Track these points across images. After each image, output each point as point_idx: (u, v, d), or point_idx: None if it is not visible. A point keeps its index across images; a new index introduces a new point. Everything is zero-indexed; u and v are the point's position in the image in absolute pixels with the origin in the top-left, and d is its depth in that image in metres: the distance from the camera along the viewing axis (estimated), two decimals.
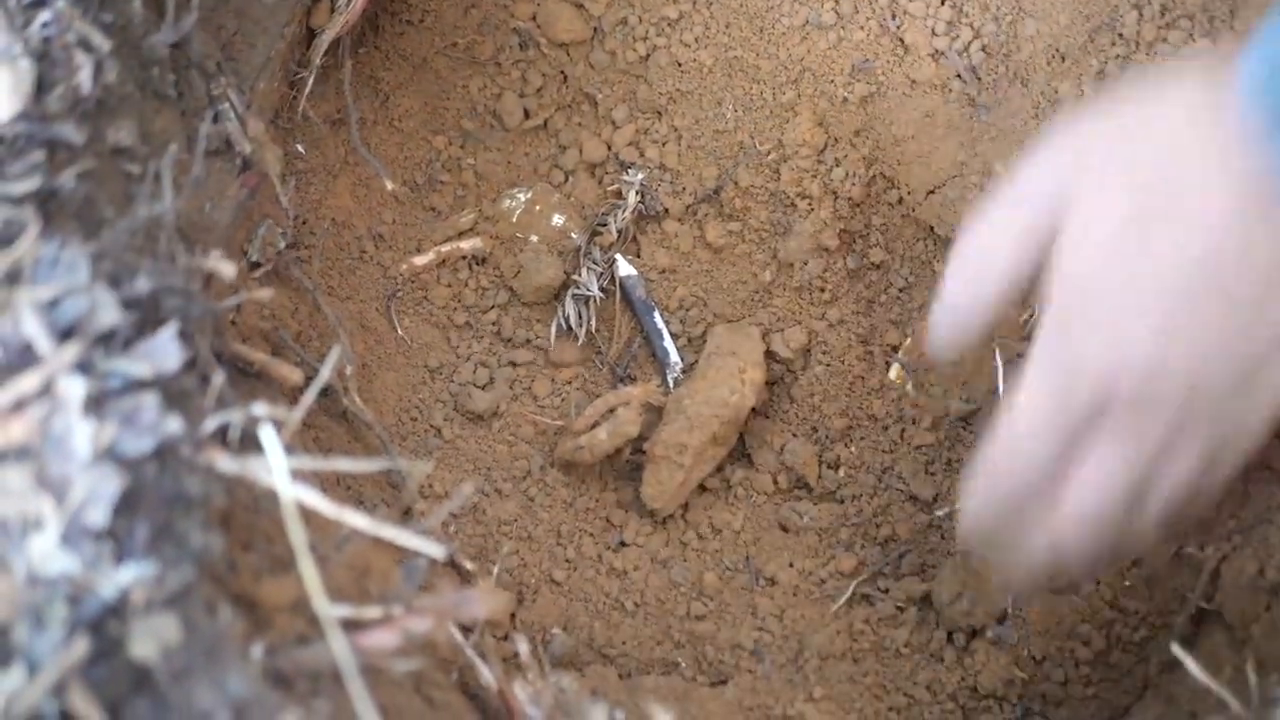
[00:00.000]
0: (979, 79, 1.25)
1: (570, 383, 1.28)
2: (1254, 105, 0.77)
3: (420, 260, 1.28)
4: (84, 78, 0.75)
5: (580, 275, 1.29)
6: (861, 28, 1.28)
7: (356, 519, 0.66)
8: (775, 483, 1.25)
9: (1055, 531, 0.86)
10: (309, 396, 0.74)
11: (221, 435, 0.70)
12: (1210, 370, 0.81)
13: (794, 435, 1.27)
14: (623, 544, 1.21)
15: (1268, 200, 0.77)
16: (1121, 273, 0.81)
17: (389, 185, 1.26)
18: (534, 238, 1.31)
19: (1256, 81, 0.77)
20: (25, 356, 0.64)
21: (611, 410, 1.21)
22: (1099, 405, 0.83)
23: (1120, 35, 1.17)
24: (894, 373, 1.26)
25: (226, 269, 0.79)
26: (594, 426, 1.21)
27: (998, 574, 0.96)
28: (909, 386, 1.25)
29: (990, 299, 0.88)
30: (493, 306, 1.29)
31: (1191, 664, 0.77)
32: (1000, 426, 0.87)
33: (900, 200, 1.28)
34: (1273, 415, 0.84)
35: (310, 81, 1.16)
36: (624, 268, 1.30)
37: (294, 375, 0.98)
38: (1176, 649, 0.79)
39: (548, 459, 1.24)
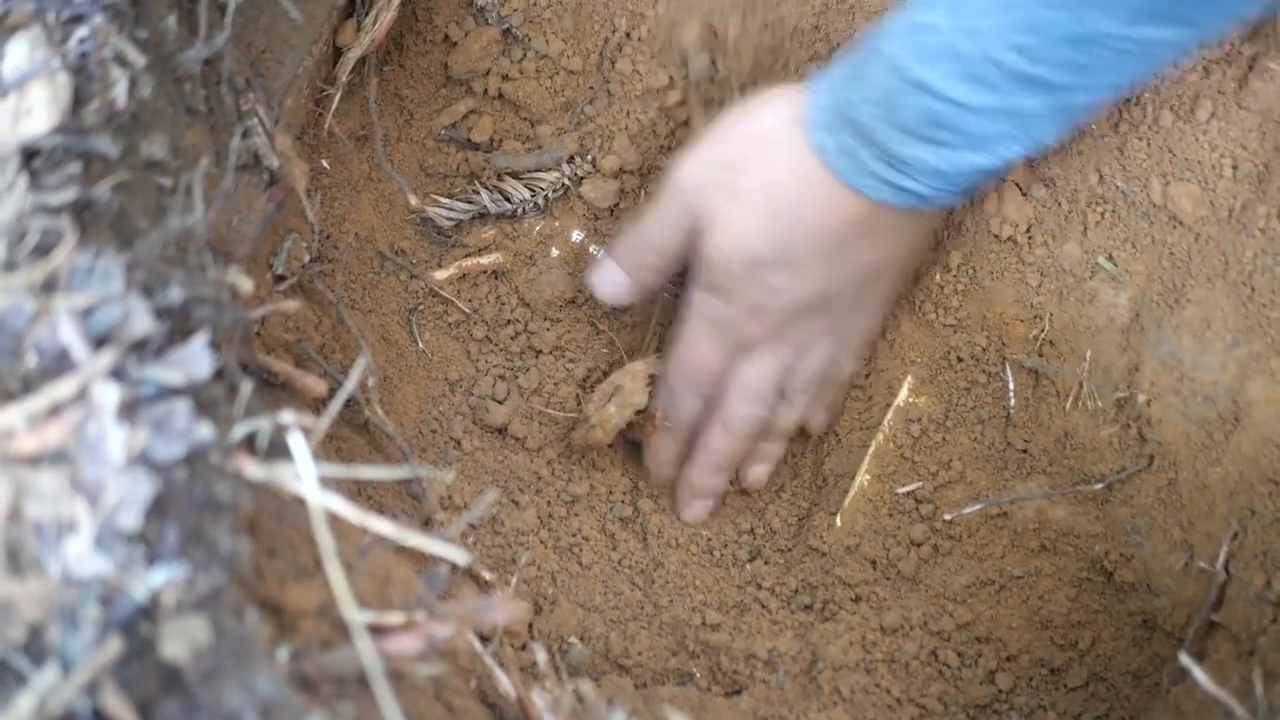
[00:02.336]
0: None
1: (584, 381, 1.29)
2: (811, 133, 1.11)
3: (441, 275, 1.29)
4: (119, 92, 0.76)
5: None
6: None
7: (381, 525, 0.67)
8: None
9: (725, 419, 1.24)
10: (336, 404, 0.74)
11: (249, 443, 0.71)
12: (824, 300, 1.19)
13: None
14: (644, 541, 1.23)
15: (845, 199, 1.12)
16: (751, 259, 1.15)
17: (412, 200, 1.27)
18: (554, 252, 1.32)
19: (814, 119, 1.11)
20: (61, 363, 0.64)
21: (618, 386, 1.22)
22: (747, 338, 1.20)
23: None
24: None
25: (244, 283, 0.80)
26: (604, 405, 1.22)
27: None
28: None
29: (651, 271, 1.24)
30: (510, 321, 1.30)
31: (1199, 674, 0.78)
32: (675, 358, 1.23)
33: None
34: (876, 323, 1.26)
35: (336, 99, 1.17)
36: None
37: (318, 386, 0.98)
38: (1185, 659, 0.80)
39: (562, 453, 1.25)
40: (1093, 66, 1.01)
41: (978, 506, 1.23)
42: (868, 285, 1.21)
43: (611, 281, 1.26)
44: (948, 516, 1.24)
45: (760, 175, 1.14)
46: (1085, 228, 1.20)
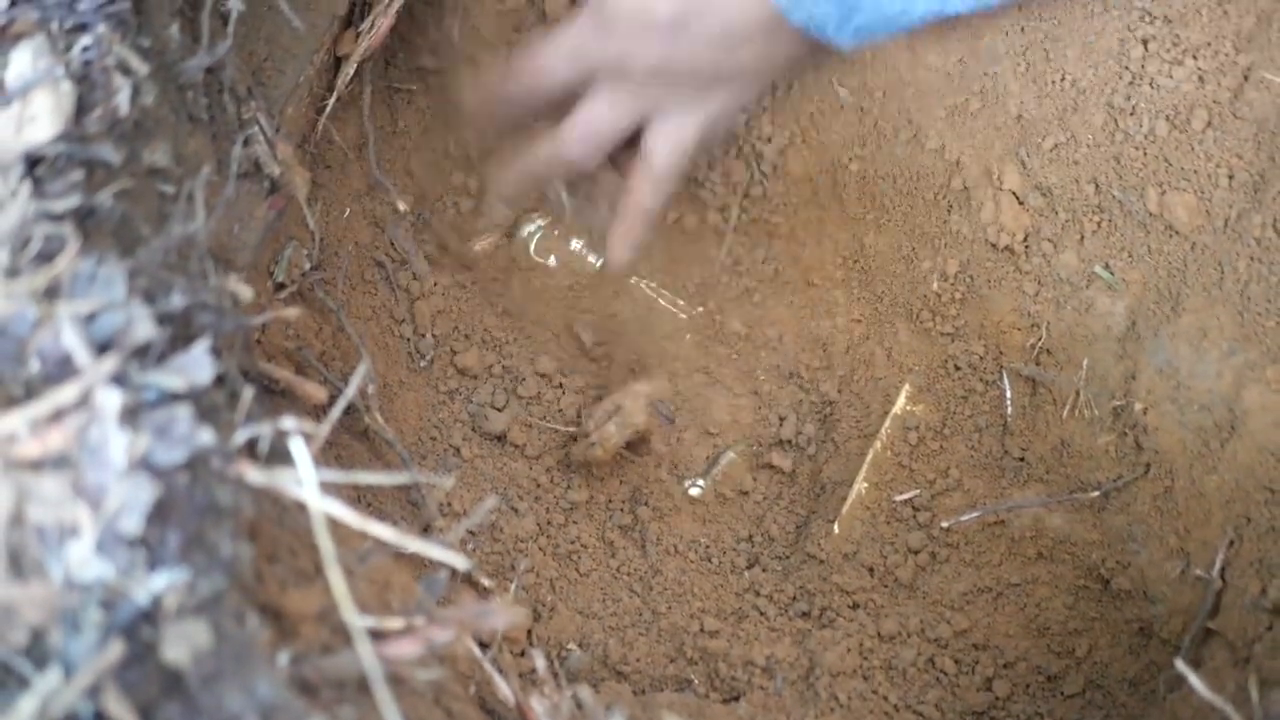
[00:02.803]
0: None
1: (582, 393, 1.30)
2: None
3: (441, 282, 1.30)
4: (122, 100, 0.76)
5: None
6: None
7: (381, 530, 0.67)
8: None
9: (561, 138, 1.18)
10: (336, 410, 0.75)
11: (250, 448, 0.71)
12: (694, 70, 1.13)
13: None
14: (643, 549, 1.23)
15: None
16: (645, 13, 1.10)
17: (401, 207, 1.27)
18: (552, 260, 1.32)
19: None
20: (64, 368, 0.65)
21: (619, 406, 1.23)
22: (613, 69, 1.14)
23: (1127, 68, 1.18)
24: None
25: (244, 291, 0.80)
26: (604, 425, 1.23)
27: (498, 178, 1.25)
28: None
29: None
30: (508, 329, 1.31)
31: (1196, 680, 0.78)
32: (537, 47, 1.17)
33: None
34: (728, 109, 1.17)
35: (332, 106, 1.18)
36: None
37: (318, 393, 0.99)
38: (1181, 666, 0.80)
39: (562, 466, 1.25)
40: None
41: (975, 514, 1.23)
42: (725, 82, 1.15)
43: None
44: (945, 524, 1.24)
45: None
46: (1082, 237, 1.20)
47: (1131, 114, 1.17)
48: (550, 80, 1.18)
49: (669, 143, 1.17)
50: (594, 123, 1.18)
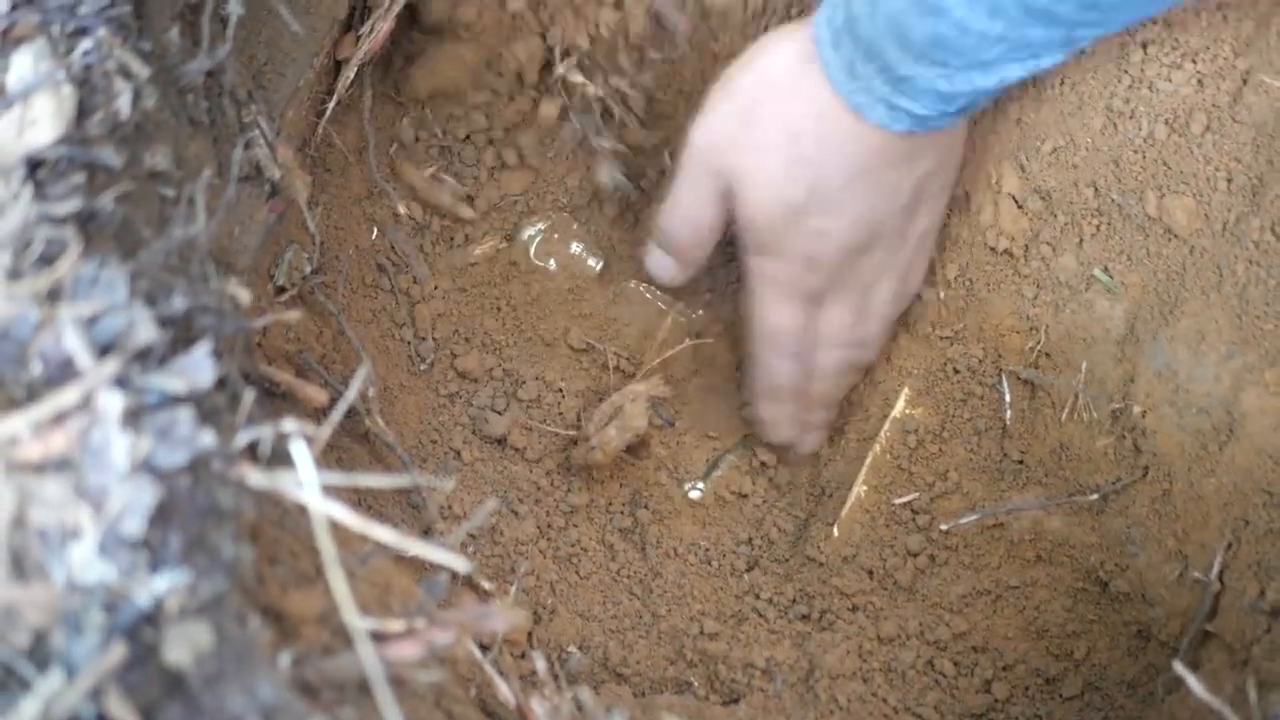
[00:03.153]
0: None
1: (582, 396, 1.30)
2: (820, 52, 1.10)
3: (442, 285, 1.30)
4: (123, 104, 0.76)
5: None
6: None
7: (382, 533, 0.67)
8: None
9: (819, 372, 1.27)
10: (337, 413, 0.75)
11: (251, 451, 0.72)
12: (871, 235, 1.18)
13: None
14: (643, 551, 1.23)
15: (854, 121, 1.12)
16: (789, 209, 1.15)
17: (401, 210, 1.27)
18: (553, 264, 1.32)
19: (823, 36, 1.09)
20: (66, 371, 0.65)
21: (619, 409, 1.23)
22: (813, 290, 1.21)
23: (1126, 72, 1.18)
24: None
25: (243, 295, 0.80)
26: (604, 428, 1.23)
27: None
28: None
29: (697, 247, 1.24)
30: (509, 332, 1.31)
31: (1194, 683, 0.78)
32: (755, 333, 1.25)
33: None
34: (930, 247, 1.26)
35: (332, 110, 1.18)
36: None
37: (319, 396, 0.99)
38: (1179, 668, 0.80)
39: (562, 469, 1.26)
40: (1105, 4, 1.02)
41: (974, 517, 1.24)
42: (910, 211, 1.20)
43: (662, 267, 1.27)
44: (944, 527, 1.24)
45: (777, 121, 1.13)
46: (1081, 240, 1.20)
47: (1130, 117, 1.17)
48: (788, 337, 1.25)
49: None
50: (835, 331, 1.25)
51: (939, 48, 1.04)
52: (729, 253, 1.28)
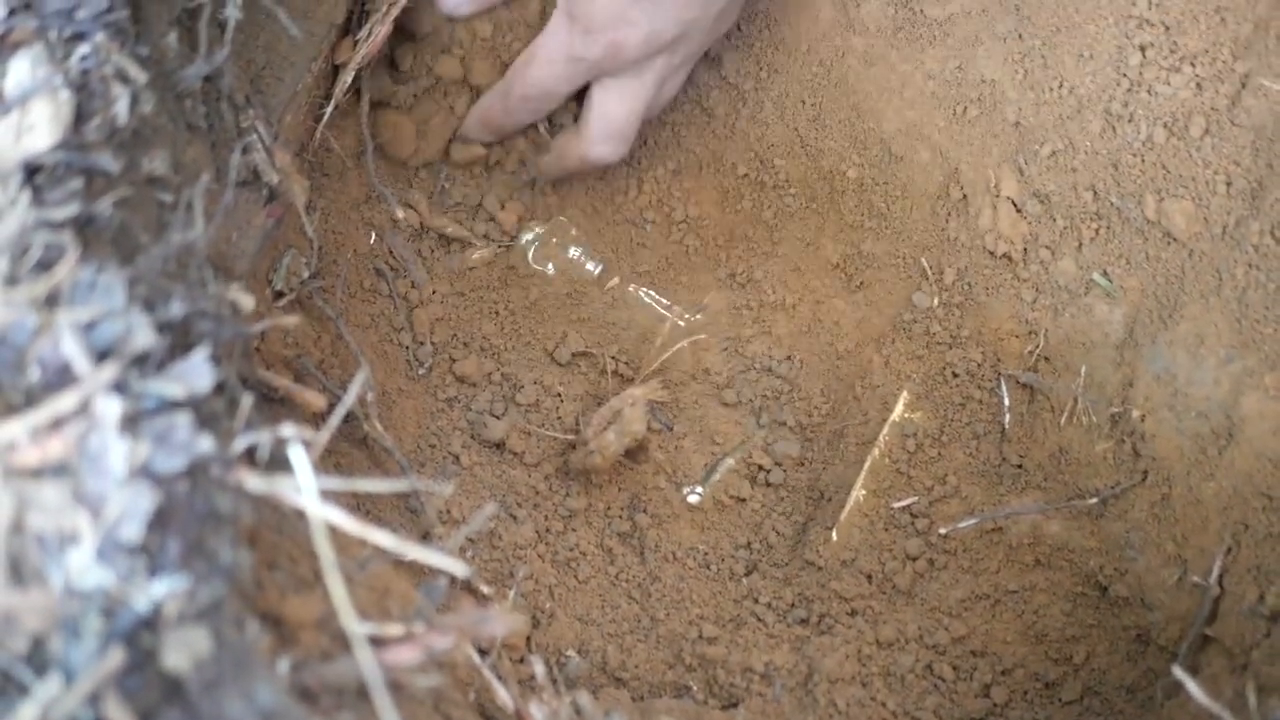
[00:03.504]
0: None
1: (581, 400, 1.30)
2: None
3: (440, 290, 1.30)
4: (120, 109, 0.76)
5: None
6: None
7: (381, 537, 0.67)
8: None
9: (583, 148, 1.26)
10: (336, 417, 0.75)
11: (250, 456, 0.72)
12: (682, 33, 1.17)
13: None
14: (642, 556, 1.23)
15: None
16: None
17: (399, 214, 1.27)
18: (550, 268, 1.32)
19: None
20: (63, 376, 0.65)
21: (617, 413, 1.23)
22: (604, 70, 1.19)
23: (1125, 75, 1.18)
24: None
25: (245, 300, 0.80)
26: (602, 432, 1.23)
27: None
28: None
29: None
30: (507, 336, 1.31)
31: (1193, 687, 0.78)
32: (521, 74, 1.22)
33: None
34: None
35: (330, 114, 1.18)
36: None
37: (317, 401, 0.99)
38: (1179, 672, 0.81)
39: (561, 473, 1.25)
40: None
41: (973, 521, 1.24)
42: (713, 27, 1.21)
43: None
44: (943, 531, 1.24)
45: None
46: (1080, 244, 1.20)
47: (1129, 121, 1.17)
48: (555, 97, 1.22)
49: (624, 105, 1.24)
50: (613, 121, 1.23)
51: None
52: None
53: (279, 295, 1.13)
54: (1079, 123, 1.20)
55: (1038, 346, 1.23)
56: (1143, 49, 1.17)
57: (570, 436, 1.27)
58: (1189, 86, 1.14)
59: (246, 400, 0.74)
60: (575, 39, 1.17)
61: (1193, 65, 1.14)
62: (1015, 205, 1.23)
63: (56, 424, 0.64)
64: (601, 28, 1.16)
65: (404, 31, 1.25)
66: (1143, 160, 1.17)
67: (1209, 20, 1.14)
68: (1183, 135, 1.15)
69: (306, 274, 1.14)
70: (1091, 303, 1.20)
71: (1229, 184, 1.13)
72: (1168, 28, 1.16)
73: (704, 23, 1.19)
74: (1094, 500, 1.20)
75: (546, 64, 1.20)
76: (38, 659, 0.59)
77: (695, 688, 1.16)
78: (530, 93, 1.23)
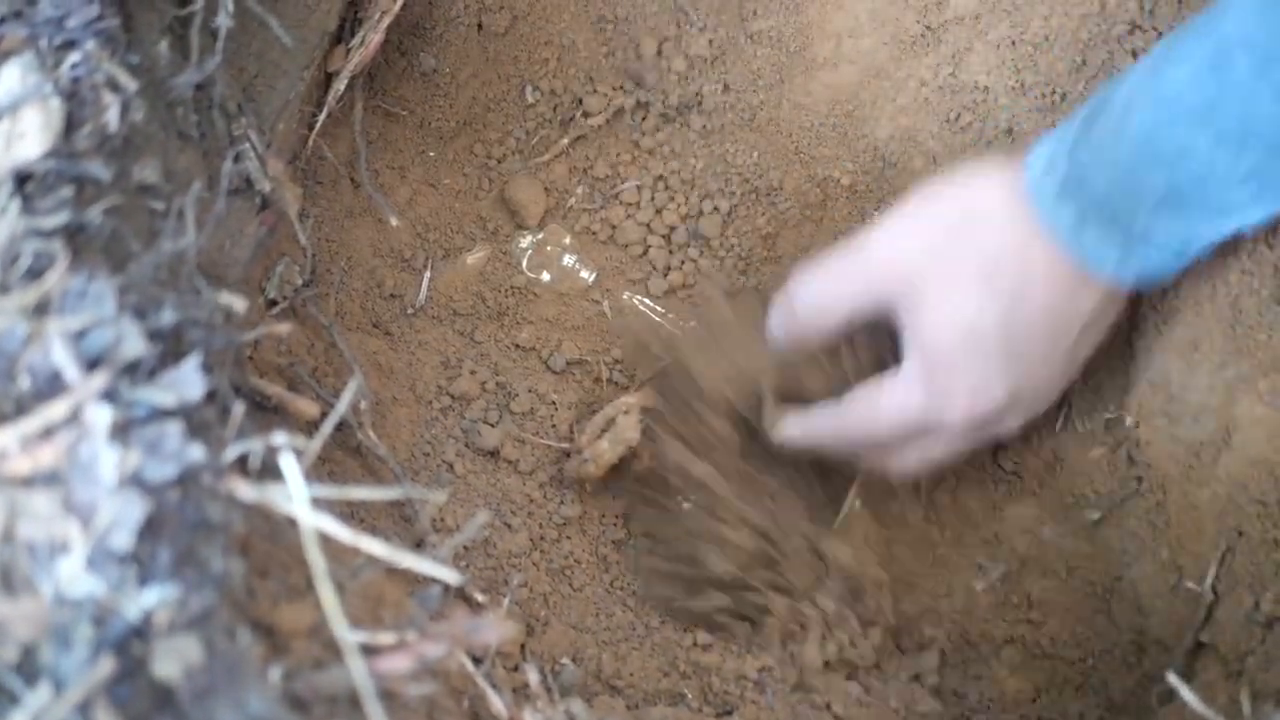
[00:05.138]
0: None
1: (575, 408, 1.30)
2: (1039, 206, 1.03)
3: (434, 298, 1.30)
4: (111, 117, 0.76)
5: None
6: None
7: (373, 546, 0.67)
8: None
9: (891, 466, 1.19)
10: (328, 426, 0.75)
11: (241, 464, 0.72)
12: (1036, 398, 1.13)
13: None
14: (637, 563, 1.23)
15: (1070, 277, 1.05)
16: (975, 344, 1.08)
17: (394, 221, 1.27)
18: (545, 277, 1.32)
19: (1042, 189, 1.03)
20: (54, 385, 0.65)
21: (611, 421, 1.23)
22: (942, 425, 1.12)
23: None
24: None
25: (237, 303, 0.80)
26: (597, 439, 1.22)
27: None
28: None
29: (820, 334, 1.17)
30: (501, 342, 1.31)
31: (1187, 693, 0.78)
32: (861, 406, 1.15)
33: None
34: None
35: (323, 122, 1.18)
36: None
37: (310, 409, 0.99)
38: (1173, 679, 0.80)
39: (555, 481, 1.25)
40: None
41: (968, 528, 1.24)
42: (1075, 360, 1.14)
43: (776, 325, 1.20)
44: (938, 538, 1.24)
45: (977, 255, 1.07)
46: None
47: None
48: (888, 442, 1.17)
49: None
50: (933, 464, 1.18)
51: (1180, 195, 0.97)
52: None
53: (272, 303, 1.13)
54: None
55: None
56: (1135, 54, 1.17)
57: (565, 445, 1.27)
58: None
59: (238, 408, 0.74)
60: (932, 401, 1.12)
61: None
62: None
63: (47, 433, 0.64)
64: (964, 395, 1.11)
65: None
66: None
67: None
68: None
69: (300, 282, 1.15)
70: None
71: None
72: (1159, 33, 1.16)
73: (1049, 394, 1.15)
74: (1095, 517, 1.19)
75: (894, 416, 1.14)
76: (28, 668, 0.59)
77: (690, 695, 1.16)
78: (865, 440, 1.17)
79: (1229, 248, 1.10)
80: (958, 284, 1.07)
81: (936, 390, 1.11)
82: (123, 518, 0.62)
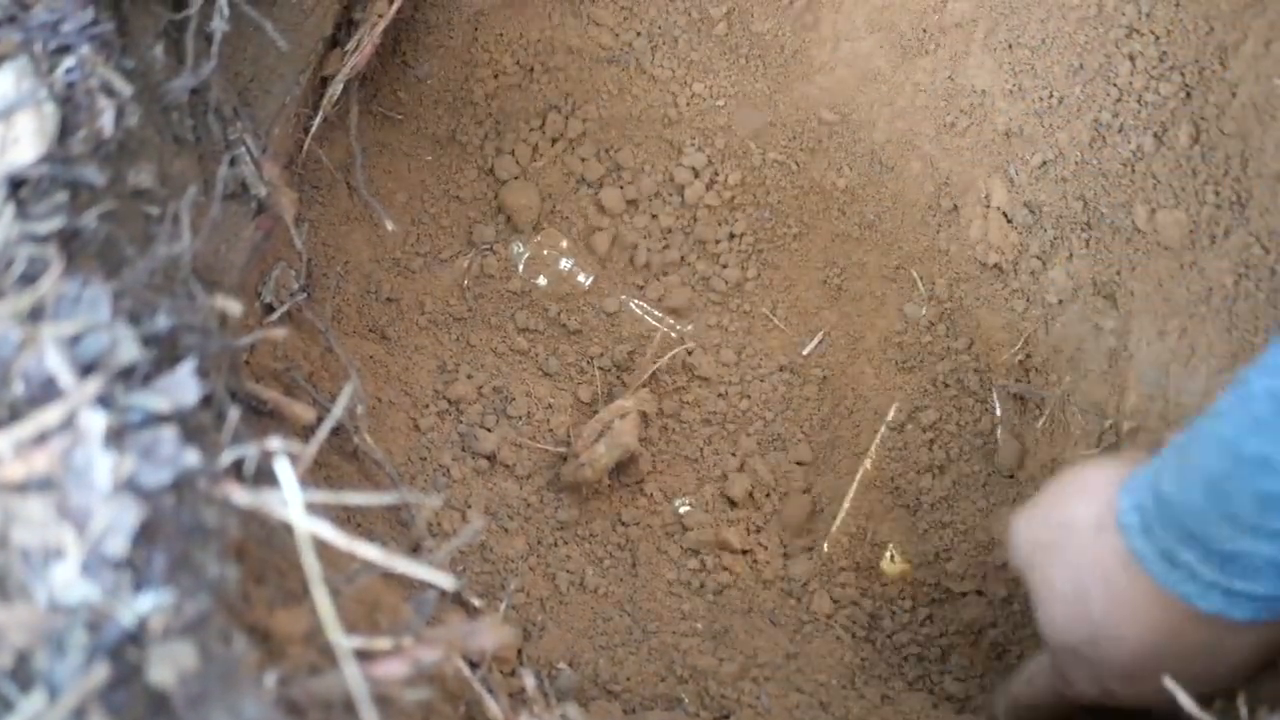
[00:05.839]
0: None
1: (571, 412, 1.30)
2: (1136, 544, 0.95)
3: (430, 302, 1.30)
4: (106, 122, 0.76)
5: None
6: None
7: (368, 551, 0.67)
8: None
9: None
10: (323, 431, 0.75)
11: (237, 469, 0.71)
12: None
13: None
14: (633, 567, 1.23)
15: (1155, 598, 0.94)
16: (1063, 645, 1.01)
17: (389, 226, 1.27)
18: (542, 281, 1.32)
19: (1131, 523, 0.94)
20: (48, 390, 0.65)
21: (608, 425, 1.23)
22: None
23: (1114, 85, 1.18)
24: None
25: (234, 309, 0.80)
26: (593, 444, 1.22)
27: None
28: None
29: None
30: (498, 347, 1.31)
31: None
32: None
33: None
34: None
35: (318, 126, 1.18)
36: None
37: (306, 414, 0.99)
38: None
39: (552, 486, 1.25)
40: None
41: (965, 530, 1.24)
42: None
43: None
44: (934, 540, 1.24)
45: (1065, 570, 1.01)
46: (1070, 254, 1.20)
47: (1119, 130, 1.17)
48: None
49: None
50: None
51: (1270, 510, 0.88)
52: None
53: (269, 308, 1.13)
54: (1069, 132, 1.20)
55: (1029, 357, 1.23)
56: (1132, 58, 1.17)
57: (561, 449, 1.27)
58: (1178, 95, 1.15)
59: (234, 413, 0.74)
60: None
61: (1181, 74, 1.14)
62: (1006, 215, 1.23)
63: (41, 438, 0.64)
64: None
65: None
66: (1132, 170, 1.17)
67: (1197, 29, 1.14)
68: (1172, 144, 1.15)
69: (296, 286, 1.14)
70: (1082, 312, 1.20)
71: (1218, 193, 1.13)
72: (1156, 37, 1.16)
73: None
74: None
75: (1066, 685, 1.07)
76: (23, 674, 0.59)
77: (687, 699, 1.16)
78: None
79: (1224, 250, 1.10)
80: (1052, 596, 1.03)
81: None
82: (117, 523, 0.62)
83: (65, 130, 0.75)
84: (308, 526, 0.66)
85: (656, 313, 1.34)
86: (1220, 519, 0.88)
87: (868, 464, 1.28)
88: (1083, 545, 0.99)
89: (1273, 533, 0.87)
